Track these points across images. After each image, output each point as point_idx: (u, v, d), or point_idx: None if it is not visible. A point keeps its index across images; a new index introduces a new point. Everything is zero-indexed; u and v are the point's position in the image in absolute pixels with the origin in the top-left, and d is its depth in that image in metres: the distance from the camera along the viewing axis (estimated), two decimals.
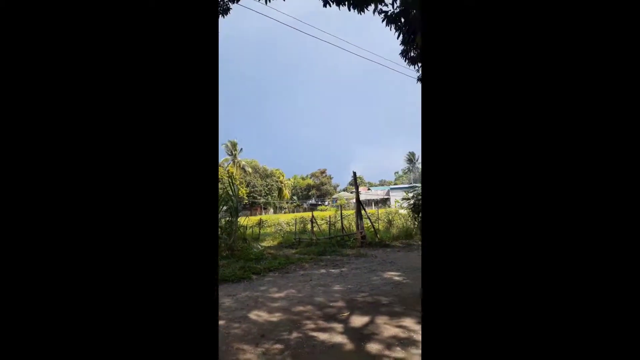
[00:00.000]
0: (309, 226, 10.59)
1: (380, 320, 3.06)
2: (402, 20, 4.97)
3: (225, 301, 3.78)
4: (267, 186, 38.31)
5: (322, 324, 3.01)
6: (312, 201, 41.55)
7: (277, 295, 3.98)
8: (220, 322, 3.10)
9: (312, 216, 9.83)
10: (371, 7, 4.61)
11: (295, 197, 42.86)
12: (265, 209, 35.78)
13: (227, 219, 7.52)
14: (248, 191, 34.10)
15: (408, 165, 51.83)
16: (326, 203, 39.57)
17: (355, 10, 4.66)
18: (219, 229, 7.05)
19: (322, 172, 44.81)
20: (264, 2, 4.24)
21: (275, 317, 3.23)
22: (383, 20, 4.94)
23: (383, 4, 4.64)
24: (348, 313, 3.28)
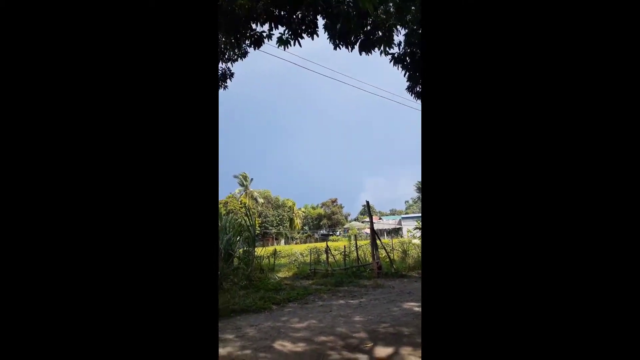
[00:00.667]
0: (323, 257, 10.57)
1: (405, 351, 3.08)
2: (408, 59, 5.41)
3: (249, 331, 3.85)
4: (278, 216, 38.45)
5: (347, 354, 3.05)
6: (324, 231, 41.20)
7: (298, 325, 4.02)
8: (247, 352, 3.18)
9: (327, 247, 9.87)
10: (377, 49, 5.03)
11: (306, 227, 42.64)
12: (276, 239, 35.62)
13: (245, 248, 7.67)
14: (260, 221, 34.27)
15: (418, 194, 51.49)
16: (337, 233, 39.17)
17: (364, 52, 5.08)
18: (237, 259, 7.18)
19: (333, 202, 44.82)
20: (282, 48, 4.71)
21: (300, 347, 3.28)
22: (390, 61, 5.39)
23: (390, 47, 5.06)
24: (371, 344, 3.31)
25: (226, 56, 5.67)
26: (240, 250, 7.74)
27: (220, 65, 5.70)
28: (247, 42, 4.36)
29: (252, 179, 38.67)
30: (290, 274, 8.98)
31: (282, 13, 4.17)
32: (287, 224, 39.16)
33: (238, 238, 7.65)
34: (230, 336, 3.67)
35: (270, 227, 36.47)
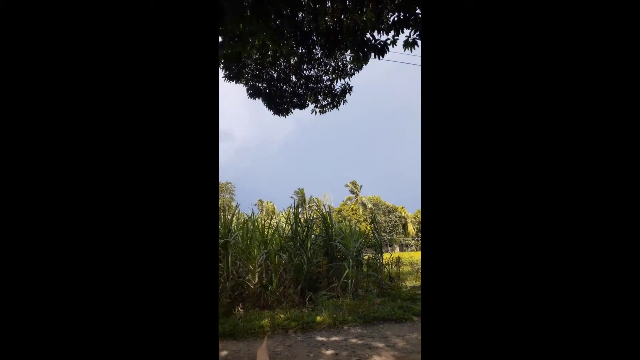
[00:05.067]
0: None
1: None
2: None
3: (398, 341, 3.80)
4: (390, 222, 37.66)
5: None
6: None
7: None
8: None
9: None
10: None
11: (420, 234, 40.13)
12: (390, 246, 34.85)
13: (371, 255, 7.75)
14: (374, 227, 34.33)
15: None
16: None
17: None
18: (365, 266, 7.32)
19: None
20: (409, 50, 4.60)
21: None
22: None
23: None
24: None
25: (344, 72, 5.99)
26: (366, 257, 7.86)
27: (341, 81, 6.06)
28: (371, 54, 4.46)
29: (361, 186, 39.37)
30: (419, 283, 8.52)
31: (407, 15, 4.09)
32: (400, 230, 37.84)
33: (365, 244, 7.81)
34: (380, 344, 3.71)
35: (383, 234, 36.03)
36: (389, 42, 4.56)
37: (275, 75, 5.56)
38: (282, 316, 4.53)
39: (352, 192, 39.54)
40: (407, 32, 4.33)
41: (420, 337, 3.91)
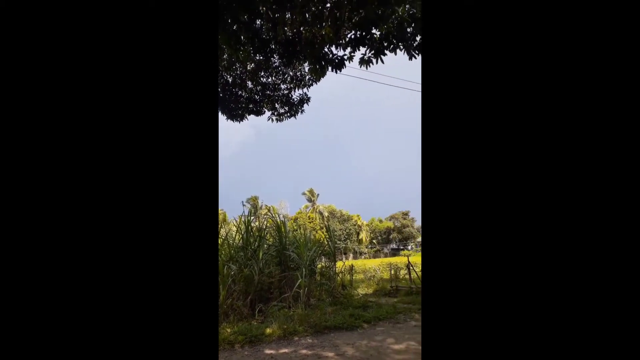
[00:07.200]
0: (402, 272, 10.12)
1: None
2: None
3: (348, 349, 3.85)
4: (345, 230, 38.44)
5: None
6: (394, 245, 39.66)
7: (397, 347, 3.87)
8: None
9: (409, 262, 9.42)
10: None
11: (374, 241, 41.62)
12: (345, 254, 35.50)
13: (324, 264, 7.81)
14: (328, 236, 34.69)
15: None
16: (409, 247, 37.26)
17: None
18: (319, 275, 7.34)
19: (405, 214, 42.95)
20: (365, 67, 4.82)
21: None
22: None
23: None
24: None
25: (302, 82, 6.07)
26: (319, 265, 7.89)
27: (299, 90, 6.11)
28: (329, 67, 4.58)
29: (318, 195, 39.75)
30: (371, 290, 8.78)
31: (363, 34, 4.29)
32: (355, 238, 38.81)
33: (319, 252, 7.84)
34: (330, 354, 3.72)
35: (338, 242, 36.58)
36: (345, 57, 4.74)
37: (230, 80, 5.42)
38: (229, 330, 4.31)
39: (309, 200, 39.68)
40: (362, 50, 4.55)
41: (369, 344, 4.00)
